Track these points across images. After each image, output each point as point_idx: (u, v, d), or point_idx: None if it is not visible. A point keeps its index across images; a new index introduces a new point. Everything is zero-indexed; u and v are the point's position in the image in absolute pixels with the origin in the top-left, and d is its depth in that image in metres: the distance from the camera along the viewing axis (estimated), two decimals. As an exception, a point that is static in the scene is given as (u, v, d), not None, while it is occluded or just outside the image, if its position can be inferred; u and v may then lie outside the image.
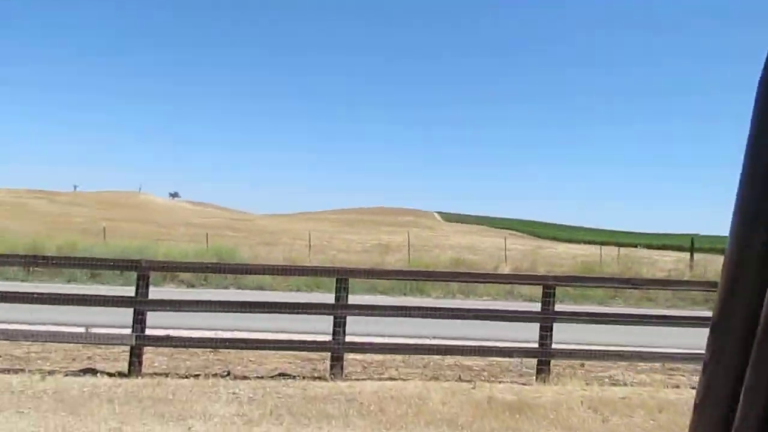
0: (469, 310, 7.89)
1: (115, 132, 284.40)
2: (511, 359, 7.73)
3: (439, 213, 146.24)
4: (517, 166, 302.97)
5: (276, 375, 6.91)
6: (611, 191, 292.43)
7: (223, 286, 15.58)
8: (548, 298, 7.07)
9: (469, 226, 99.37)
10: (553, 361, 7.22)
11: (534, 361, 7.28)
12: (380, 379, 7.01)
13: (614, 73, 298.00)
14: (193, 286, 15.39)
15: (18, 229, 24.40)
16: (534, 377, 7.07)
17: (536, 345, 7.11)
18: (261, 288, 15.51)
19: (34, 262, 6.38)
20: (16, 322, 8.78)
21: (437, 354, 7.53)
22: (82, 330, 7.81)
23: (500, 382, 6.97)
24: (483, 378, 7.31)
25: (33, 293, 6.16)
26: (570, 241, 68.14)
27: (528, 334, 7.45)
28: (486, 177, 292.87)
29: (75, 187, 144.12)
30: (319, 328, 9.52)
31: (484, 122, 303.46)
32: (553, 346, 7.12)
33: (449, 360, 8.00)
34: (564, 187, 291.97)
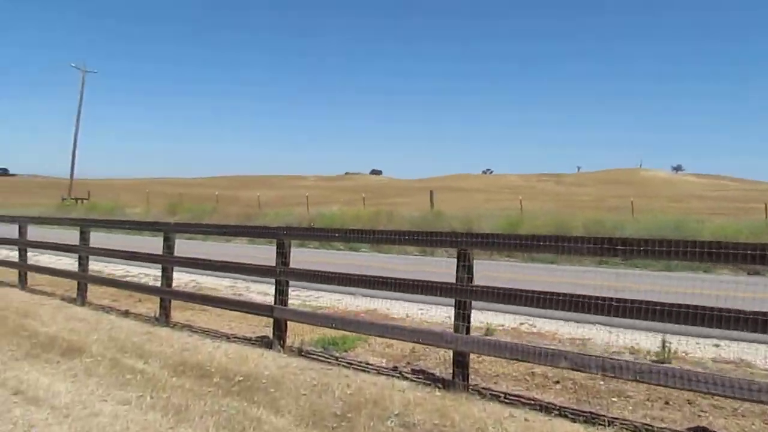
0: None
1: (613, 111, 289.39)
2: None
3: None
4: None
5: None
6: None
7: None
8: None
9: None
10: None
11: None
12: None
13: None
14: (757, 273, 11.31)
15: (533, 209, 24.48)
16: None
17: None
18: None
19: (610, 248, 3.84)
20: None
21: None
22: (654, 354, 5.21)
23: None
24: None
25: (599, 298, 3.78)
26: None
27: None
28: None
29: (578, 168, 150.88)
30: None
31: None
32: None
33: None
34: None
